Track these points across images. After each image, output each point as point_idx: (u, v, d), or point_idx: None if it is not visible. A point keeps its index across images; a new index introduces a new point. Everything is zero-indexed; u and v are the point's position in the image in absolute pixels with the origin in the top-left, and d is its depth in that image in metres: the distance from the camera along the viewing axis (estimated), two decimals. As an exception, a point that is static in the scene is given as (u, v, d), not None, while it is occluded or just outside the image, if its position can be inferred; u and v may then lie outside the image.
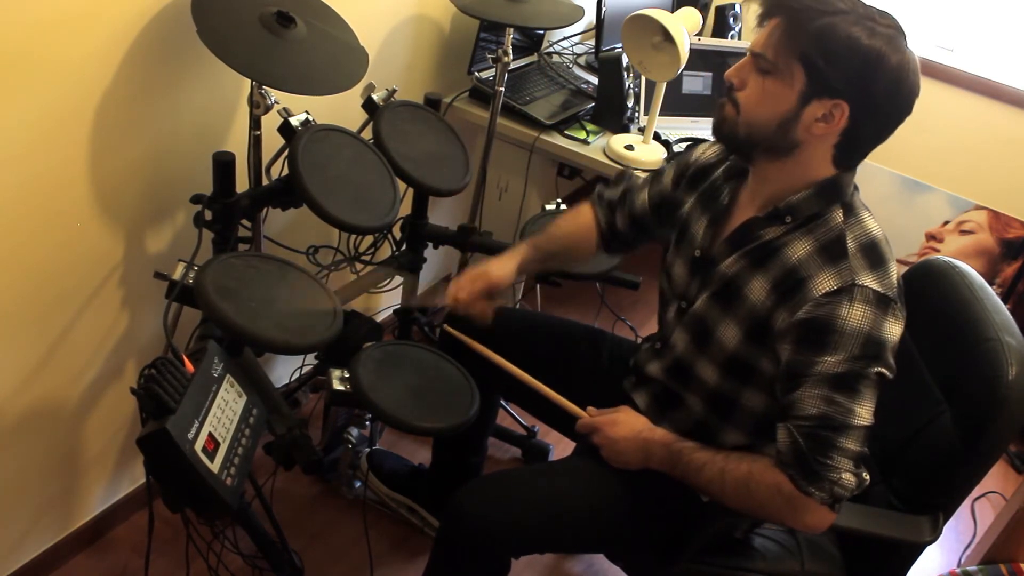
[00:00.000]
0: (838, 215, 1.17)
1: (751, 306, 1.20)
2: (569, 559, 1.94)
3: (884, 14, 1.11)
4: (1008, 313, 1.34)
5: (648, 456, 1.30)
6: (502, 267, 1.45)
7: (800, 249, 1.16)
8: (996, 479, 2.45)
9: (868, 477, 1.15)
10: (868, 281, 1.11)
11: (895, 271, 1.16)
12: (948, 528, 1.36)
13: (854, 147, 1.15)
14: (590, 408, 1.39)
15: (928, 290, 1.45)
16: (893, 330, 1.13)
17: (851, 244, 1.14)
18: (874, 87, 1.09)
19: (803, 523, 1.17)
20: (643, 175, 2.00)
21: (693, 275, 1.32)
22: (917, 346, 1.44)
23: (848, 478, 1.12)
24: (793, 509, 1.16)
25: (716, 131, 1.22)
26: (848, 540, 1.43)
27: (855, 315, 1.10)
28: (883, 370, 1.12)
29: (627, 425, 1.33)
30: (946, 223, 2.71)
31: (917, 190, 2.71)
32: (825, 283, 1.12)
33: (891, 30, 1.09)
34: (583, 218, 1.55)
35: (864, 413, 1.12)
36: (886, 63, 1.07)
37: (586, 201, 1.57)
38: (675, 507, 1.34)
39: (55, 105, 1.26)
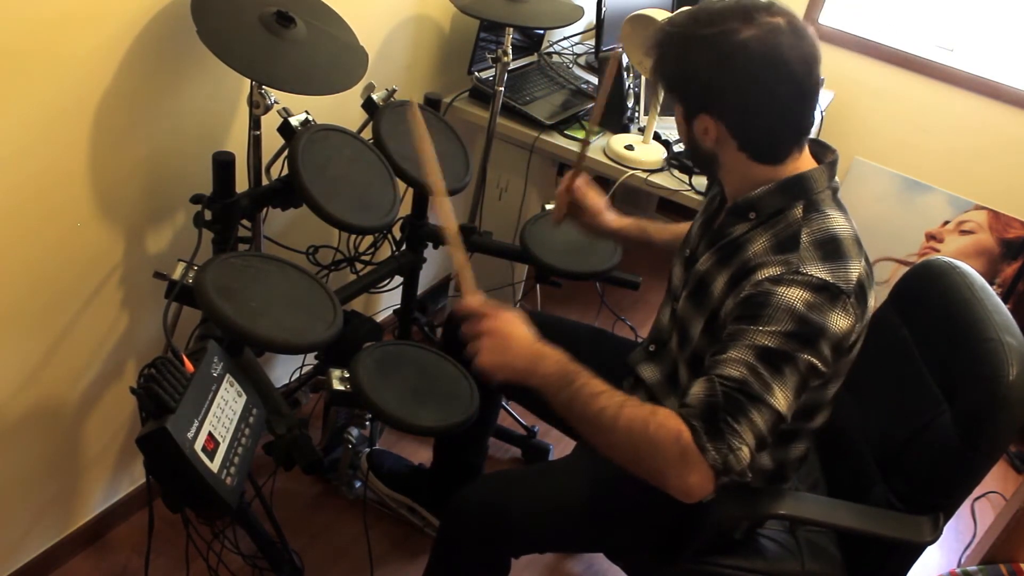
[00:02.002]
0: (798, 211, 1.16)
1: (712, 300, 1.20)
2: (569, 559, 1.94)
3: (718, 6, 1.09)
4: (1008, 313, 1.33)
5: (536, 365, 1.15)
6: (609, 215, 1.56)
7: (758, 244, 1.16)
8: (996, 479, 2.45)
9: (759, 466, 1.16)
10: (813, 270, 1.09)
11: (858, 270, 1.11)
12: (948, 528, 1.36)
13: (758, 142, 1.15)
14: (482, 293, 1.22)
15: (928, 290, 1.45)
16: (837, 322, 1.08)
17: (805, 238, 1.13)
18: (715, 88, 1.10)
19: (683, 481, 1.07)
20: (642, 175, 2.02)
21: (684, 274, 1.33)
22: (917, 346, 1.44)
23: (744, 452, 1.05)
24: (682, 462, 1.06)
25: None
26: (848, 540, 1.43)
27: (791, 294, 1.07)
28: (814, 360, 1.08)
29: (520, 326, 1.18)
30: (946, 223, 2.71)
31: (917, 190, 2.71)
32: (769, 270, 1.11)
33: (721, 22, 1.07)
34: (684, 228, 1.56)
35: (781, 398, 1.07)
36: (719, 60, 1.08)
37: None
38: (675, 507, 1.33)
39: (55, 104, 1.26)
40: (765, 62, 1.07)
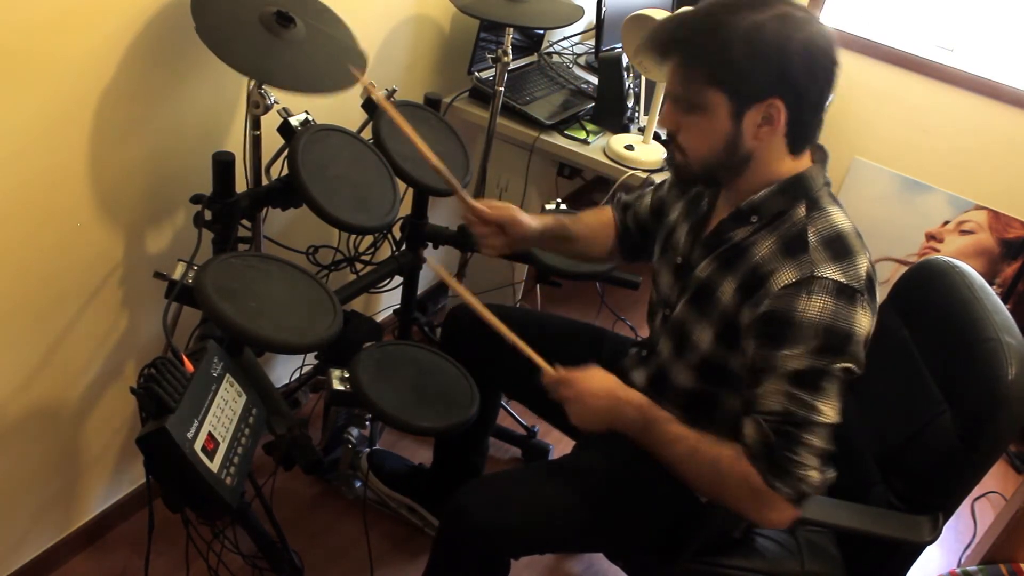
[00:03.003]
0: (801, 210, 1.16)
1: (723, 309, 1.20)
2: (569, 559, 1.94)
3: None
4: (1008, 313, 1.33)
5: (618, 416, 1.23)
6: (528, 217, 1.46)
7: (764, 247, 1.16)
8: (996, 479, 2.45)
9: (833, 475, 1.13)
10: (829, 272, 1.09)
11: (865, 264, 1.13)
12: (948, 528, 1.36)
13: (802, 132, 1.15)
14: (558, 366, 1.30)
15: (928, 290, 1.45)
16: (860, 322, 1.10)
17: (812, 237, 1.13)
18: (792, 72, 1.08)
19: (767, 518, 1.15)
20: (642, 175, 2.02)
21: (676, 282, 1.32)
22: (917, 346, 1.44)
23: (814, 475, 1.11)
24: (758, 502, 1.14)
25: (678, 179, 1.27)
26: (848, 540, 1.43)
27: (813, 307, 1.08)
28: (849, 365, 1.10)
29: (599, 380, 1.25)
30: (946, 223, 2.71)
31: (917, 190, 2.71)
32: (784, 276, 1.11)
33: (780, 9, 1.08)
34: (605, 217, 1.57)
35: (828, 411, 1.10)
36: (793, 44, 1.07)
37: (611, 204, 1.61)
38: (675, 507, 1.34)
39: (55, 104, 1.26)
40: (821, 53, 1.09)
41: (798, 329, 1.08)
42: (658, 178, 2.02)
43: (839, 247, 1.13)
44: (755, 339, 1.13)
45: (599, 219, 1.57)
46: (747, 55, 1.07)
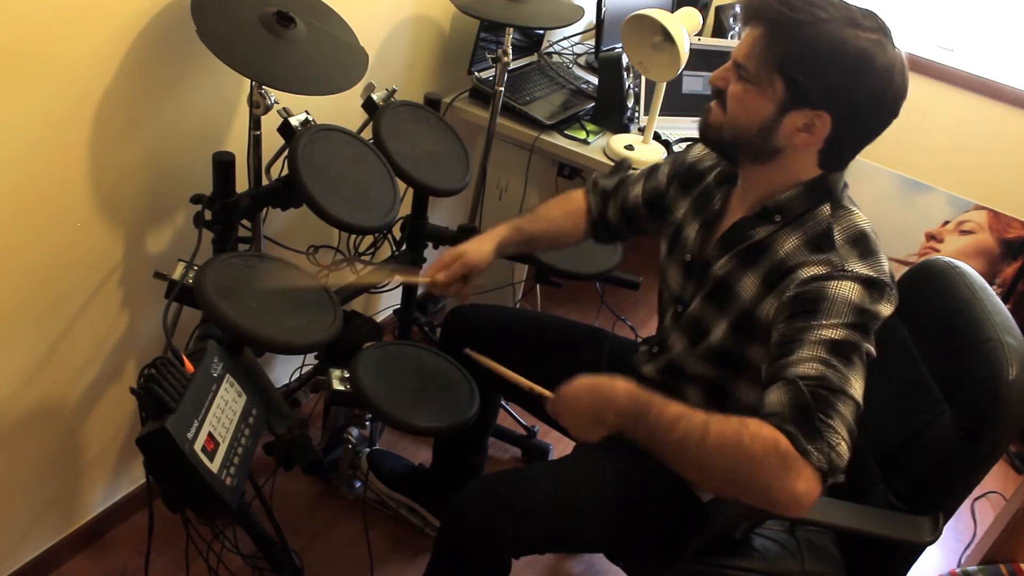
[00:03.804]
0: (826, 210, 1.17)
1: (742, 302, 1.20)
2: (569, 559, 1.94)
3: (868, 14, 1.08)
4: (1008, 313, 1.33)
5: (609, 408, 1.12)
6: (480, 248, 1.41)
7: (788, 243, 1.16)
8: (996, 479, 2.45)
9: (848, 458, 1.05)
10: (857, 268, 1.10)
11: (887, 263, 1.14)
12: (948, 528, 1.36)
13: (839, 152, 1.15)
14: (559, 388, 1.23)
15: (928, 290, 1.45)
16: (884, 309, 1.11)
17: (839, 236, 1.14)
18: (857, 97, 1.08)
19: (791, 490, 1.00)
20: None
21: (687, 279, 1.32)
22: (917, 346, 1.44)
23: (844, 448, 1.02)
24: (786, 470, 1.00)
25: (702, 135, 1.22)
26: (848, 540, 1.43)
27: (844, 287, 1.08)
28: (872, 348, 1.09)
29: (580, 382, 1.17)
30: (946, 223, 2.71)
31: (917, 190, 2.71)
32: (812, 269, 1.11)
33: (875, 34, 1.07)
34: (573, 204, 1.54)
35: (857, 387, 1.06)
36: (870, 72, 1.06)
37: (579, 188, 1.57)
38: (675, 507, 1.34)
39: (55, 105, 1.26)
40: (901, 89, 1.09)
41: (831, 303, 1.08)
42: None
43: (864, 246, 1.14)
44: (786, 319, 1.10)
45: (564, 209, 1.53)
46: (823, 62, 1.07)
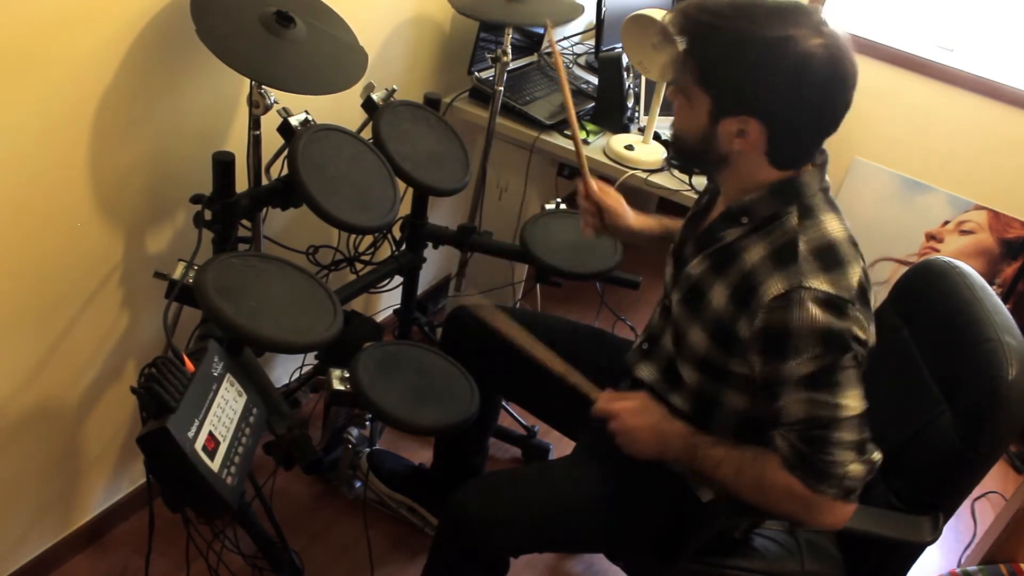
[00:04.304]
0: (793, 218, 1.15)
1: (713, 312, 1.20)
2: (569, 559, 1.94)
3: (775, 9, 1.07)
4: (1008, 313, 1.33)
5: (665, 448, 1.27)
6: (632, 214, 1.52)
7: (755, 254, 1.16)
8: (996, 479, 2.45)
9: (878, 457, 1.13)
10: (817, 283, 1.09)
11: (857, 273, 1.12)
12: (948, 528, 1.36)
13: (785, 150, 1.14)
14: (608, 390, 1.34)
15: (928, 290, 1.45)
16: (853, 325, 1.09)
17: (803, 247, 1.12)
18: (772, 94, 1.07)
19: (822, 521, 1.16)
20: (642, 175, 2.02)
21: (673, 272, 1.33)
22: (917, 346, 1.44)
23: (855, 468, 1.11)
24: (808, 509, 1.15)
25: (671, 146, 1.27)
26: (848, 540, 1.43)
27: (806, 316, 1.08)
28: (856, 351, 1.09)
29: (646, 415, 1.28)
30: (946, 223, 2.71)
31: (917, 190, 2.71)
32: (773, 287, 1.11)
33: (792, 27, 1.05)
34: None
35: (850, 403, 1.10)
36: (782, 66, 1.05)
37: None
38: (675, 507, 1.34)
39: (55, 105, 1.26)
40: (827, 76, 1.07)
41: (796, 339, 1.09)
42: (657, 179, 2.02)
43: (829, 258, 1.12)
44: (759, 355, 1.14)
45: None
46: (730, 67, 1.08)
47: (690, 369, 1.28)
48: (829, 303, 1.08)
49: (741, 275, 1.16)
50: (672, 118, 1.22)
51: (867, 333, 1.12)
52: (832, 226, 1.15)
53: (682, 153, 1.25)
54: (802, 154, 1.16)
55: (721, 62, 1.08)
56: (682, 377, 1.31)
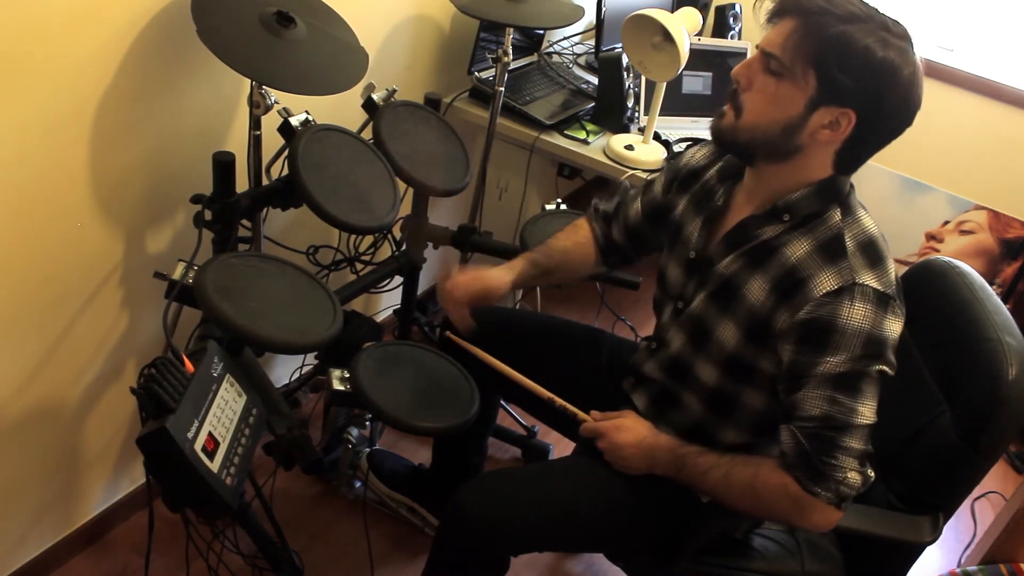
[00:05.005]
0: (836, 214, 1.17)
1: (750, 306, 1.20)
2: (569, 559, 1.94)
3: (896, 23, 1.10)
4: (1008, 313, 1.33)
5: (653, 463, 1.30)
6: (500, 279, 1.44)
7: (799, 249, 1.16)
8: (996, 479, 2.45)
9: (873, 474, 1.15)
10: (868, 279, 1.11)
11: (893, 268, 1.16)
12: (948, 528, 1.36)
13: (856, 154, 1.16)
14: (593, 412, 1.38)
15: (928, 290, 1.45)
16: (894, 327, 1.13)
17: (850, 243, 1.14)
18: (884, 99, 1.09)
19: (810, 523, 1.18)
20: (642, 175, 2.02)
21: (689, 276, 1.32)
22: (917, 346, 1.44)
23: (853, 477, 1.13)
24: (800, 509, 1.16)
25: (715, 138, 1.21)
26: (848, 540, 1.43)
27: (856, 315, 1.10)
28: (885, 368, 1.12)
29: (632, 432, 1.32)
30: (946, 223, 2.71)
31: (917, 190, 2.70)
32: (826, 283, 1.12)
33: (903, 42, 1.09)
34: (581, 234, 1.54)
35: (867, 412, 1.12)
36: (898, 76, 1.07)
37: (583, 216, 1.57)
38: (675, 507, 1.34)
39: (55, 105, 1.26)
40: (914, 96, 1.10)
41: (841, 336, 1.10)
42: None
43: (873, 253, 1.14)
44: (795, 344, 1.14)
45: (574, 239, 1.54)
46: (857, 60, 1.07)
47: (712, 368, 1.28)
48: (880, 299, 1.11)
49: (784, 269, 1.16)
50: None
51: (899, 332, 1.14)
52: (868, 222, 1.18)
53: (747, 142, 1.16)
54: (863, 161, 1.18)
55: (850, 52, 1.07)
56: (696, 376, 1.31)
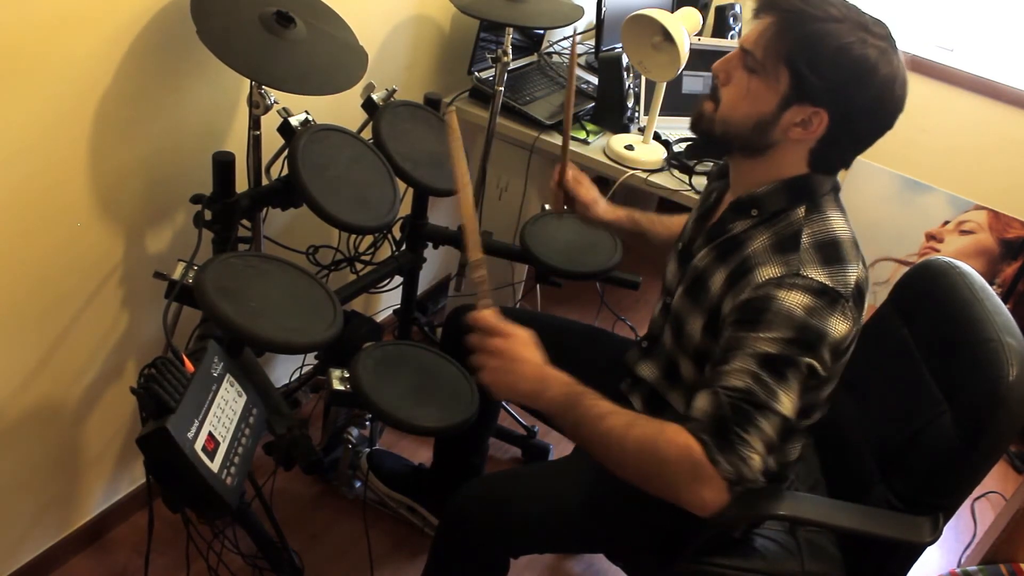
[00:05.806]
0: (800, 212, 1.16)
1: (711, 297, 1.20)
2: (569, 559, 1.94)
3: (878, 23, 1.09)
4: (1008, 313, 1.33)
5: (543, 388, 1.14)
6: (603, 204, 1.60)
7: (757, 242, 1.16)
8: (996, 479, 2.46)
9: (773, 468, 1.12)
10: (814, 274, 1.09)
11: (855, 273, 1.12)
12: (948, 528, 1.36)
13: (831, 153, 1.15)
14: (487, 300, 1.18)
15: (928, 290, 1.45)
16: (838, 327, 1.08)
17: (806, 240, 1.13)
18: (857, 100, 1.09)
19: (699, 497, 1.07)
20: (642, 175, 2.02)
21: (678, 269, 1.33)
22: (917, 346, 1.44)
23: (756, 460, 1.06)
24: (695, 479, 1.06)
25: (693, 127, 1.22)
26: (848, 540, 1.43)
27: (792, 299, 1.07)
28: (815, 363, 1.08)
29: (533, 349, 1.16)
30: (946, 223, 2.71)
31: (917, 190, 2.70)
32: (769, 270, 1.11)
33: (883, 42, 1.08)
34: (679, 222, 1.57)
35: (787, 403, 1.07)
36: (873, 78, 1.07)
37: None
38: (675, 507, 1.33)
39: (55, 105, 1.26)
40: (892, 98, 1.10)
41: (775, 316, 1.07)
42: (657, 179, 2.02)
43: (831, 253, 1.12)
44: (732, 324, 1.12)
45: (680, 223, 1.55)
46: (829, 59, 1.07)
47: (688, 363, 1.28)
48: (823, 292, 1.08)
49: (740, 260, 1.16)
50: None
51: (844, 342, 1.10)
52: (837, 224, 1.16)
53: (722, 136, 1.17)
54: (840, 161, 1.17)
55: (823, 51, 1.07)
56: (681, 374, 1.31)
